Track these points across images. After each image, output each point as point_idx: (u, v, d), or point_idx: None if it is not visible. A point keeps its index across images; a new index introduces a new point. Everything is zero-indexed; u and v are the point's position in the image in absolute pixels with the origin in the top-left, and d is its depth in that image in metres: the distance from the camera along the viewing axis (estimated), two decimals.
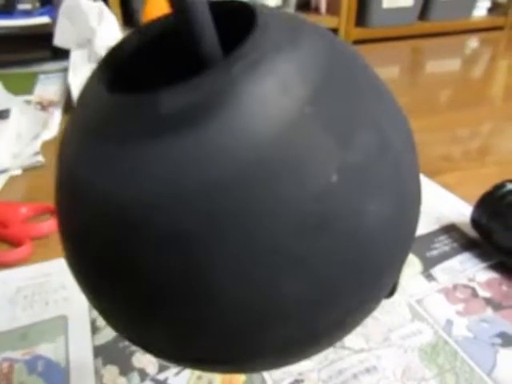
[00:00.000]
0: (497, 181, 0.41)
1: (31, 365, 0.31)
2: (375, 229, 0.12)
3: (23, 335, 0.33)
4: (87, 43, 0.83)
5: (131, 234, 0.11)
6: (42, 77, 0.92)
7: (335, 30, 1.17)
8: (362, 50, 1.16)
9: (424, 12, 1.26)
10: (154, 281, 0.11)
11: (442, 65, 1.07)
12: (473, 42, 1.26)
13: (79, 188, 0.12)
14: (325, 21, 1.17)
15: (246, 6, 0.14)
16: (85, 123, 0.13)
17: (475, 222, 0.41)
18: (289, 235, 0.11)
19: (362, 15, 1.18)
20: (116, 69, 0.15)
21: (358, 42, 1.19)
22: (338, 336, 0.15)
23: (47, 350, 0.32)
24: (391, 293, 0.17)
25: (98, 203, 0.12)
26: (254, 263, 0.11)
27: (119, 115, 0.11)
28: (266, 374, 0.30)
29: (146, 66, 0.16)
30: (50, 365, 0.31)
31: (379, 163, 0.13)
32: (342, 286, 0.12)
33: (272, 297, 0.11)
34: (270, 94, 0.11)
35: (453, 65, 1.07)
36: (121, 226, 0.11)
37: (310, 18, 1.18)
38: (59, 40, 0.86)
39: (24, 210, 0.45)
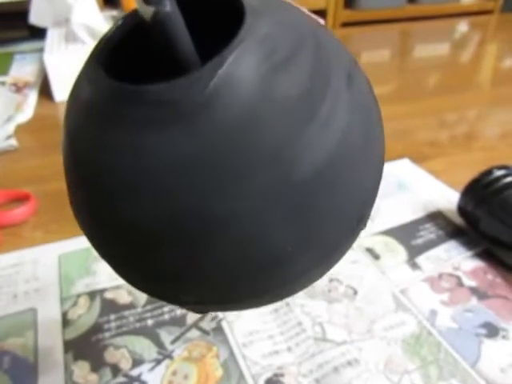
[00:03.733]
0: (484, 167, 0.40)
1: None
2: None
3: None
4: (64, 22, 0.79)
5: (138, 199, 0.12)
6: (17, 57, 0.88)
7: (323, 12, 1.14)
8: (351, 32, 1.14)
9: None
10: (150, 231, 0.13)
11: (431, 49, 1.06)
12: (462, 26, 1.24)
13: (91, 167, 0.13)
14: (313, 2, 1.14)
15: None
16: (85, 105, 0.13)
17: (461, 209, 0.40)
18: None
19: None
20: (111, 52, 0.15)
21: (346, 24, 1.17)
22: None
23: (14, 345, 0.30)
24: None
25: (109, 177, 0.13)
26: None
27: (118, 102, 0.12)
28: (244, 369, 0.29)
29: (137, 51, 0.16)
30: (17, 361, 0.29)
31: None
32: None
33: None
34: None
35: (442, 49, 1.05)
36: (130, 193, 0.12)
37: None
38: (35, 18, 0.82)
39: None
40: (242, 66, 0.12)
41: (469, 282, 0.36)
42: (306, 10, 0.16)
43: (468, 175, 0.41)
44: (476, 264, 0.37)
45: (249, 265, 0.13)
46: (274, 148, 0.12)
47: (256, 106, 0.12)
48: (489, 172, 0.39)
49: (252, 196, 0.12)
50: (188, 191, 0.12)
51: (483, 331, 0.32)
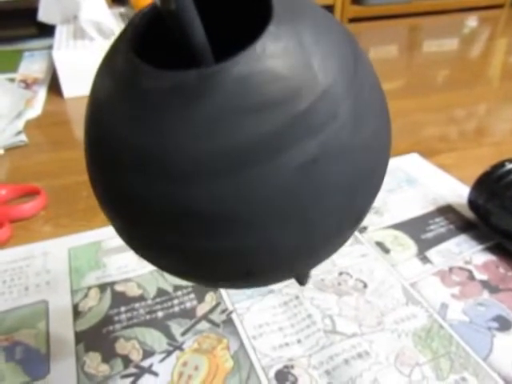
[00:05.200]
0: (493, 161, 0.40)
1: (9, 352, 0.29)
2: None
3: (1, 321, 0.31)
4: (73, 19, 0.80)
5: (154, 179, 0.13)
6: (27, 54, 0.88)
7: (331, 8, 1.13)
8: (359, 28, 1.13)
9: None
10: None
11: (440, 44, 1.05)
12: (471, 21, 1.23)
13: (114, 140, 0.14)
14: None
15: None
16: (112, 86, 0.14)
17: (472, 202, 0.40)
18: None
19: None
20: (141, 32, 0.16)
21: (354, 20, 1.16)
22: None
23: (27, 336, 0.30)
24: (302, 282, 0.19)
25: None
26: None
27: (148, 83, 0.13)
28: (254, 361, 0.29)
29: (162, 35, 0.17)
30: (29, 351, 0.29)
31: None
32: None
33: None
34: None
35: (451, 44, 1.04)
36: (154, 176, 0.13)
37: None
38: (43, 15, 0.83)
39: (3, 192, 0.43)
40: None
41: (480, 275, 0.35)
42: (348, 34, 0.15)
43: (478, 170, 0.40)
44: (487, 258, 0.37)
45: None
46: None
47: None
48: (500, 165, 0.38)
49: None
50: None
51: (495, 325, 0.31)
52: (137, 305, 0.33)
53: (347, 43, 0.15)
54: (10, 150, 0.54)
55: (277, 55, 0.13)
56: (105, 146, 0.14)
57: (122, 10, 0.92)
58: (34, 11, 0.86)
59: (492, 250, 0.38)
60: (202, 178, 0.13)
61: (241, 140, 0.12)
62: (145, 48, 0.15)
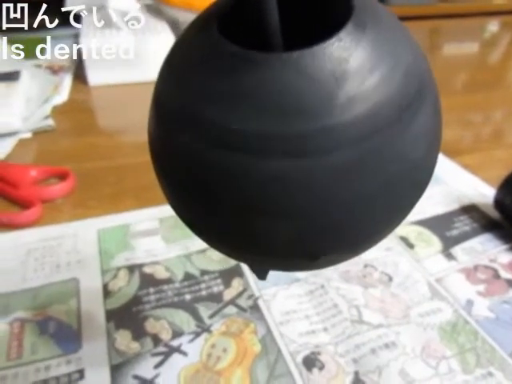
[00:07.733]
0: None
1: (43, 326, 0.30)
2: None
3: (34, 296, 0.32)
4: (99, 8, 0.81)
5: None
6: (52, 42, 0.89)
7: None
8: None
9: None
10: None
11: (460, 47, 1.04)
12: (493, 25, 1.22)
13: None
14: None
15: None
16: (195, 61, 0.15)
17: (498, 202, 0.40)
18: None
19: None
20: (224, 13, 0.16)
21: None
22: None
23: (59, 311, 0.31)
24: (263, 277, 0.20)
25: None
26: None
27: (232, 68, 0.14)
28: (282, 346, 0.29)
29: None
30: (61, 326, 0.30)
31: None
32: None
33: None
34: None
35: (471, 47, 1.04)
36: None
37: None
38: (70, 4, 0.84)
39: (33, 173, 0.44)
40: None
41: (506, 274, 0.35)
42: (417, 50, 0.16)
43: (500, 171, 0.40)
44: None
45: None
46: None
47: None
48: None
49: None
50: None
51: None
52: (165, 287, 0.33)
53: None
54: (37, 133, 0.55)
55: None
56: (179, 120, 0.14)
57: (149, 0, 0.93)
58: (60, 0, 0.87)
59: None
60: (269, 155, 0.13)
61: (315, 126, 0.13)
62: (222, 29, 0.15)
